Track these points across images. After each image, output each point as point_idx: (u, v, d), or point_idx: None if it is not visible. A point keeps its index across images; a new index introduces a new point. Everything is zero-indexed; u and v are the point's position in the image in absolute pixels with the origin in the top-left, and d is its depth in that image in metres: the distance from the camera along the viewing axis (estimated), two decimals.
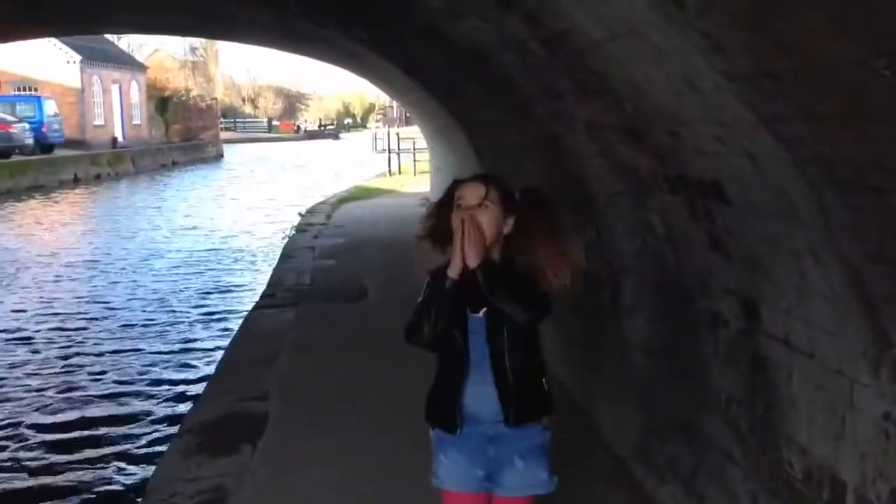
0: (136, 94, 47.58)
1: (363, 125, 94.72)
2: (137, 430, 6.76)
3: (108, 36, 48.83)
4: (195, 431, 5.45)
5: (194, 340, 9.44)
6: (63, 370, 8.34)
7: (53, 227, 19.67)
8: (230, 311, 10.70)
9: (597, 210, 4.65)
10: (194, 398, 6.81)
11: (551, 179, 5.81)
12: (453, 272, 2.52)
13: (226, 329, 9.61)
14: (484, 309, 2.58)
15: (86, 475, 5.88)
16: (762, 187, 2.45)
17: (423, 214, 2.77)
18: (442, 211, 2.64)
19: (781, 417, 2.78)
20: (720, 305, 3.23)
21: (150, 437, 6.56)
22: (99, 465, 6.06)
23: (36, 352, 9.02)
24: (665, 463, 3.94)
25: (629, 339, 4.45)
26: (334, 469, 4.61)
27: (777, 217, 2.49)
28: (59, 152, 34.35)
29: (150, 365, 8.47)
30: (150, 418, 6.99)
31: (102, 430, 6.78)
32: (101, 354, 8.87)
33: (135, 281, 12.88)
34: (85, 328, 10.05)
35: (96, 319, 10.50)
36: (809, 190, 2.15)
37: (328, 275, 10.80)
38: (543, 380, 2.74)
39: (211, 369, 7.49)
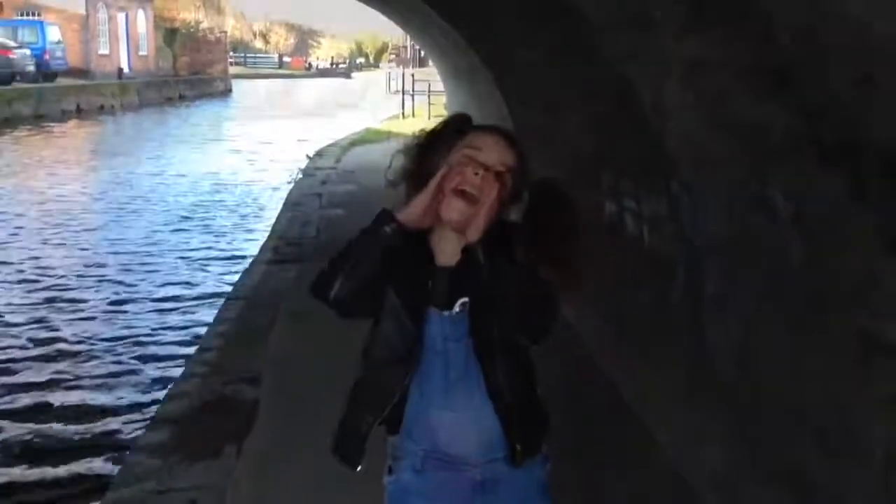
0: (143, 23, 46.06)
1: (375, 65, 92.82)
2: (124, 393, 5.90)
3: None
4: (170, 423, 4.55)
5: (188, 294, 8.50)
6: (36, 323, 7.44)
7: (47, 164, 18.58)
8: (226, 267, 9.74)
9: (677, 177, 3.66)
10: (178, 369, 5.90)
11: (602, 135, 4.81)
12: (405, 216, 1.86)
13: (216, 288, 8.65)
14: (462, 301, 1.87)
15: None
16: None
17: (406, 145, 2.02)
18: (433, 147, 1.96)
19: None
20: (885, 326, 2.27)
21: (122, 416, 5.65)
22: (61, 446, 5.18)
23: (8, 304, 8.12)
24: None
25: (712, 344, 3.50)
26: (336, 481, 3.73)
27: None
28: (61, 81, 33.13)
29: (136, 325, 7.55)
30: (127, 392, 6.09)
31: (82, 394, 5.92)
32: (84, 317, 7.92)
33: (116, 236, 11.77)
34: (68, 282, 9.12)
35: (86, 266, 9.57)
36: None
37: (335, 226, 9.84)
38: (538, 391, 2.01)
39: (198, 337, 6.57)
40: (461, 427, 1.92)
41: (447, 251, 1.91)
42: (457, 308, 1.89)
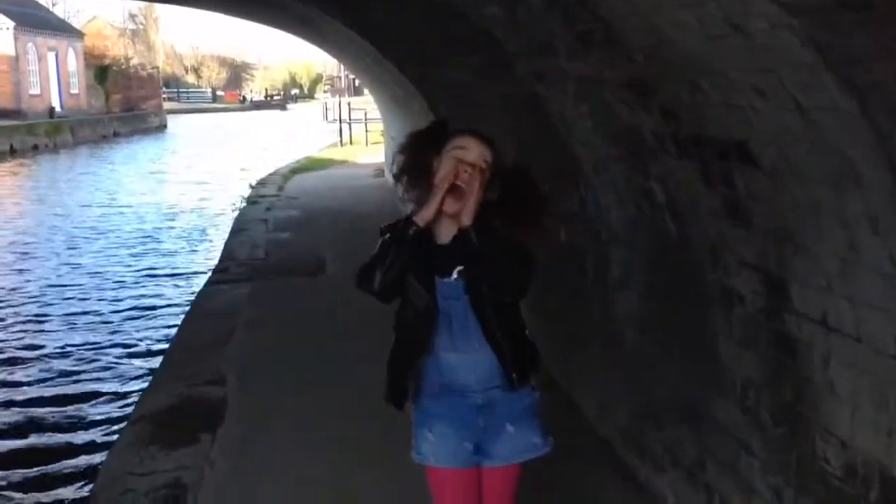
0: (73, 62, 45.85)
1: (311, 96, 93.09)
2: (85, 417, 6.30)
3: (42, 2, 47.05)
4: (148, 419, 5.03)
5: (145, 316, 8.92)
6: None
7: None
8: (180, 286, 10.17)
9: (582, 177, 4.32)
10: (146, 379, 6.35)
11: (525, 145, 5.47)
12: (422, 219, 2.41)
13: (175, 305, 9.10)
14: (458, 269, 2.45)
15: (28, 472, 5.40)
16: (809, 146, 2.13)
17: (401, 146, 2.58)
18: (423, 146, 2.51)
19: (814, 406, 2.49)
20: (735, 280, 2.93)
21: (98, 427, 6.09)
22: (42, 459, 5.59)
23: None
24: (662, 450, 3.66)
25: (618, 316, 4.15)
26: (299, 457, 4.27)
27: (823, 181, 2.18)
28: None
29: (95, 348, 7.95)
30: (98, 403, 6.51)
31: (44, 419, 6.31)
32: (38, 347, 8.30)
33: (74, 261, 12.16)
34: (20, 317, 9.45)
35: (34, 304, 9.90)
36: (878, 146, 1.83)
37: (283, 248, 10.35)
38: (527, 332, 2.62)
39: (162, 349, 7.02)
40: (464, 365, 2.49)
41: (444, 232, 2.47)
42: (454, 275, 2.46)
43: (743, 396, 2.97)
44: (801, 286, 2.51)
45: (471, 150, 2.44)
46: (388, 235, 2.45)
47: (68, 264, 11.55)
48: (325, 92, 77.18)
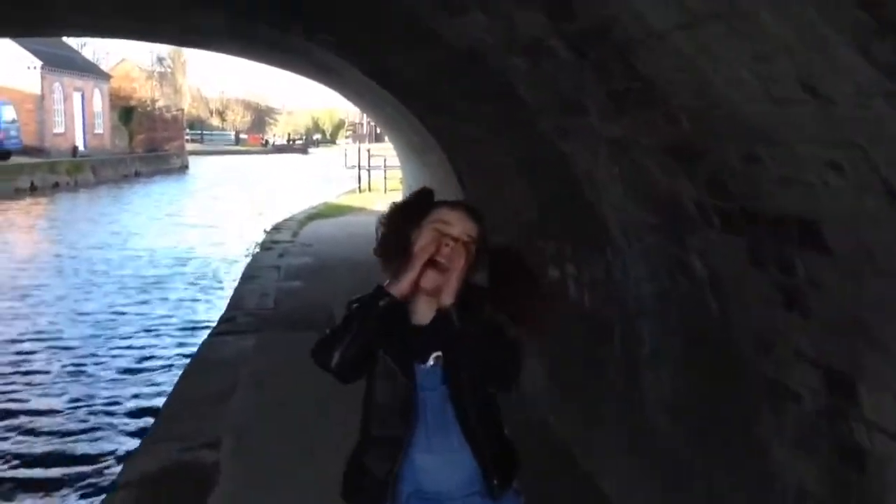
0: (98, 102, 46.29)
1: (332, 141, 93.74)
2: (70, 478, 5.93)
3: (71, 44, 47.71)
4: (133, 486, 4.67)
5: (147, 366, 8.59)
6: None
7: (3, 241, 18.52)
8: (189, 333, 9.85)
9: (610, 243, 3.99)
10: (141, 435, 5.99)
11: (547, 205, 5.16)
12: (397, 290, 2.11)
13: (180, 354, 8.77)
14: (436, 355, 2.15)
15: None
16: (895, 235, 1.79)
17: (381, 218, 2.31)
18: (405, 218, 2.25)
19: None
20: (790, 375, 2.57)
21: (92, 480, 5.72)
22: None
23: None
24: None
25: (647, 397, 3.78)
26: None
27: None
28: (16, 159, 33.09)
29: (95, 393, 7.61)
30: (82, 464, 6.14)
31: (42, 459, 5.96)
32: (23, 401, 7.96)
33: (89, 300, 11.93)
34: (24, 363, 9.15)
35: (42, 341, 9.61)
36: None
37: (293, 298, 10.03)
38: (506, 431, 2.29)
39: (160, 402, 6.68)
40: (441, 467, 2.17)
41: (421, 312, 2.18)
42: (431, 361, 2.16)
43: None
44: (870, 388, 2.15)
45: (455, 224, 2.18)
46: (354, 306, 2.17)
47: (73, 311, 11.26)
48: (346, 138, 77.80)
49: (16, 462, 6.06)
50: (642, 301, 3.80)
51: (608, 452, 4.36)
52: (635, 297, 3.86)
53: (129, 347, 9.28)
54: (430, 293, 2.15)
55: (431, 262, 2.12)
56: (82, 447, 6.30)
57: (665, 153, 2.72)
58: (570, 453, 4.77)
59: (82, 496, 5.49)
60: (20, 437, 6.52)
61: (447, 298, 2.07)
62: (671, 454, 3.52)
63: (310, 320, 8.62)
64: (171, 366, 8.38)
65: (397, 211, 2.30)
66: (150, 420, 6.24)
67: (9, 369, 8.44)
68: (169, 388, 6.96)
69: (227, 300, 10.37)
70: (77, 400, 7.45)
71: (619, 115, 2.79)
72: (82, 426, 6.73)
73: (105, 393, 7.65)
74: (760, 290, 2.60)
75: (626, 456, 4.15)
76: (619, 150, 3.09)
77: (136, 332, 10.07)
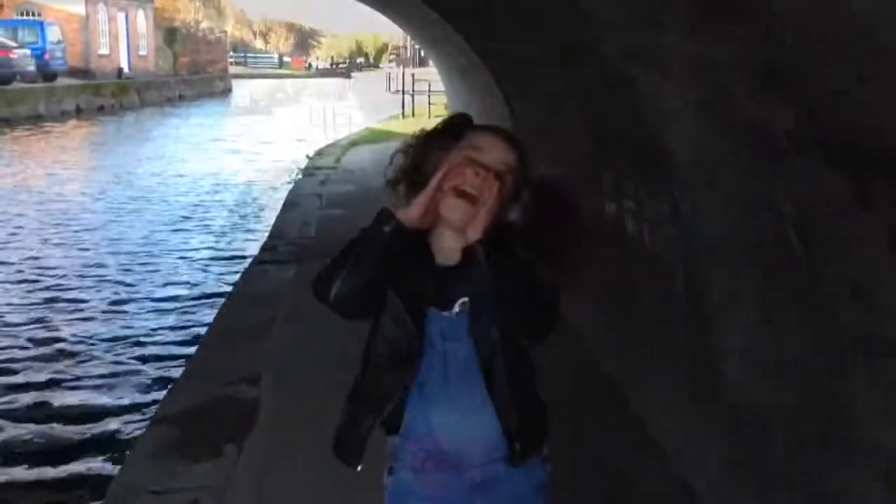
0: (143, 23, 46.09)
1: (376, 65, 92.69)
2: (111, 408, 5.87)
3: None
4: (170, 422, 4.54)
5: (187, 295, 8.50)
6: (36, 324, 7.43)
7: (47, 164, 18.56)
8: (230, 262, 9.74)
9: (677, 177, 3.64)
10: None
11: (603, 135, 4.80)
12: (405, 215, 1.83)
13: (222, 282, 8.66)
14: (462, 301, 1.87)
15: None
16: None
17: (406, 144, 2.00)
18: (435, 145, 1.94)
19: None
20: (890, 328, 2.25)
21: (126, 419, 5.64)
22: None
23: (9, 304, 8.11)
24: None
25: (715, 346, 3.48)
26: (337, 478, 3.72)
27: None
28: (61, 81, 33.15)
29: (136, 324, 7.54)
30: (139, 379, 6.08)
31: (83, 394, 5.90)
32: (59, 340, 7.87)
33: (130, 227, 11.85)
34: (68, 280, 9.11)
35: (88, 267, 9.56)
36: None
37: (334, 226, 9.82)
38: (540, 394, 2.02)
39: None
40: (462, 427, 1.91)
41: (446, 251, 1.90)
42: (456, 308, 1.89)
43: (889, 479, 2.30)
44: None
45: (488, 151, 1.87)
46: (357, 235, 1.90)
47: (109, 239, 11.18)
48: (390, 62, 76.82)
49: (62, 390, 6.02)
50: (712, 244, 3.47)
51: (666, 401, 4.10)
52: (705, 239, 3.53)
53: (169, 279, 9.17)
54: (455, 227, 1.85)
55: (459, 192, 1.83)
56: (122, 381, 6.21)
57: (756, 75, 2.36)
58: (622, 396, 4.52)
59: (125, 424, 5.43)
60: (59, 368, 6.47)
61: (473, 234, 1.79)
62: (743, 406, 3.24)
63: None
64: (211, 295, 8.27)
65: (428, 137, 1.99)
66: (192, 349, 6.11)
67: (50, 295, 8.41)
68: (209, 320, 6.83)
69: (269, 229, 10.22)
70: (126, 326, 7.37)
71: (706, 27, 2.42)
72: (121, 359, 6.64)
73: (147, 322, 7.57)
74: (863, 233, 2.27)
75: (685, 404, 3.88)
76: (702, 71, 2.73)
77: (177, 261, 9.98)
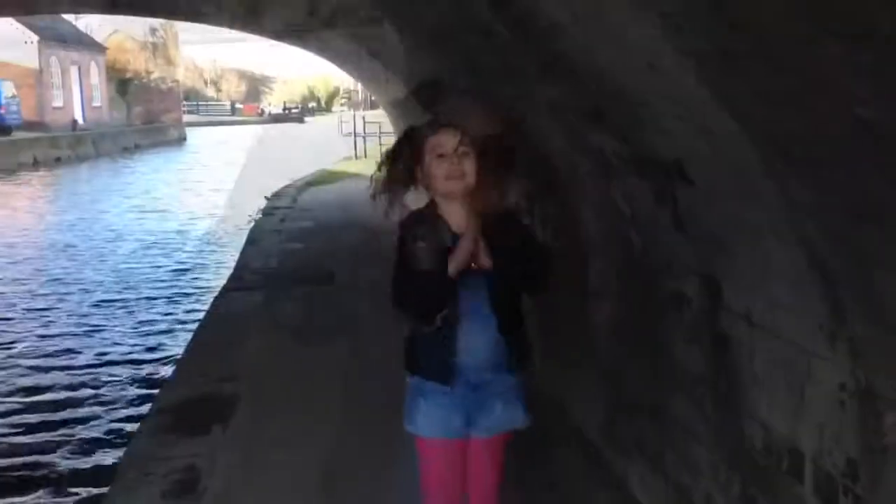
0: (95, 75, 46.73)
1: (328, 109, 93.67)
2: (106, 412, 6.73)
3: (65, 16, 47.93)
4: (166, 411, 5.45)
5: (164, 321, 9.37)
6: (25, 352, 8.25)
7: (12, 210, 19.24)
8: (199, 292, 10.63)
9: (561, 188, 4.70)
10: (164, 380, 6.78)
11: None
12: (455, 267, 2.50)
13: (192, 310, 9.55)
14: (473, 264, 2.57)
15: (54, 458, 5.85)
16: (722, 167, 2.51)
17: (383, 160, 2.73)
18: (401, 159, 2.66)
19: (744, 394, 2.85)
20: (684, 284, 3.30)
21: (119, 418, 6.53)
22: (67, 447, 6.03)
23: None
24: (633, 444, 4.02)
25: (595, 322, 4.52)
26: (303, 449, 4.66)
27: (737, 197, 2.55)
28: (17, 135, 33.70)
29: (117, 346, 8.41)
30: (122, 397, 6.94)
31: (68, 412, 6.74)
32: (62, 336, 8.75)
33: (100, 264, 12.69)
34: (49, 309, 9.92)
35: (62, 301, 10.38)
36: (767, 169, 2.21)
37: (295, 258, 10.78)
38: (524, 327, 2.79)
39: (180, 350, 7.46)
40: (473, 346, 2.63)
41: (458, 218, 2.58)
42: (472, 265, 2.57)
43: (692, 390, 3.32)
44: (731, 288, 2.88)
45: (445, 144, 2.58)
46: (420, 243, 2.46)
47: (83, 278, 12.01)
48: (341, 105, 77.74)
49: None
50: (591, 240, 4.52)
51: (572, 378, 5.12)
52: (586, 237, 4.58)
53: (145, 307, 10.04)
54: (462, 195, 2.54)
55: (448, 177, 2.54)
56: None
57: (585, 114, 3.43)
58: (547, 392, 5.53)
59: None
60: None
61: (478, 203, 2.50)
62: (614, 368, 4.27)
63: (311, 278, 9.40)
64: (185, 321, 9.16)
65: (394, 151, 2.71)
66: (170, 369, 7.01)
67: (26, 331, 9.23)
68: (187, 337, 7.73)
69: (234, 262, 11.11)
70: (97, 349, 8.24)
71: (550, 80, 3.49)
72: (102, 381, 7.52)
73: (129, 346, 8.44)
74: (663, 221, 3.31)
75: (582, 377, 4.90)
76: (557, 111, 3.81)
77: (150, 293, 10.83)
